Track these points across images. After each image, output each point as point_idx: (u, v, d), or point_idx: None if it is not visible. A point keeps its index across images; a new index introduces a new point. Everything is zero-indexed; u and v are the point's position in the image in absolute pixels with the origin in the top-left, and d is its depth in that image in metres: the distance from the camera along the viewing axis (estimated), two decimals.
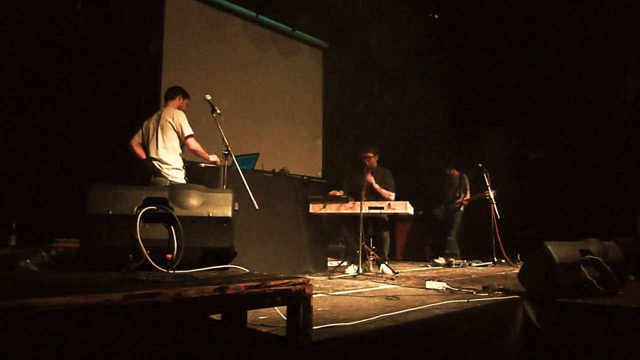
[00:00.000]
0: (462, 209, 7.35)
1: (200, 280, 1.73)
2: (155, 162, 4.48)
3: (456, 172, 7.53)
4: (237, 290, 1.66)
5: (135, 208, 2.14)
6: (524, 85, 7.94)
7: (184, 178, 4.59)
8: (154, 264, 2.06)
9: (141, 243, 2.07)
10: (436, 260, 7.14)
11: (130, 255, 2.10)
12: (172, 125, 4.51)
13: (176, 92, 4.78)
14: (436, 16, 8.21)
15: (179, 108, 4.69)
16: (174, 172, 4.50)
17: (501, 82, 8.11)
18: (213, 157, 4.54)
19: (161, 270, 2.05)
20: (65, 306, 1.28)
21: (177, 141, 4.54)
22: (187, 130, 4.52)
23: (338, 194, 5.57)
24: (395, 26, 8.25)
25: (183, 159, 4.66)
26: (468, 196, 7.32)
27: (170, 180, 4.45)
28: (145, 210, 2.13)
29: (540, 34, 7.72)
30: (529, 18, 7.66)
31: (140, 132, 4.68)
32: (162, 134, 4.49)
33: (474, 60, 8.18)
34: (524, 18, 7.66)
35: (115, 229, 2.12)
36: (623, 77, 6.86)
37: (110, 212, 2.13)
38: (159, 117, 4.59)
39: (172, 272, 2.05)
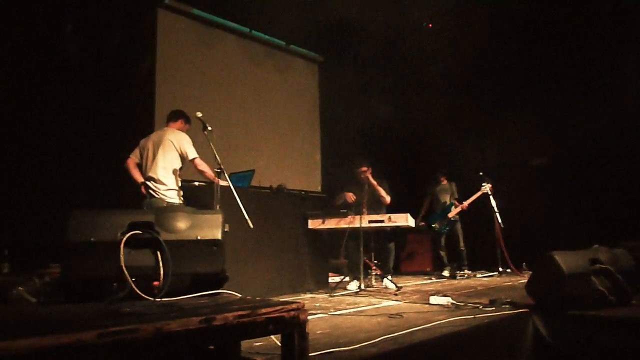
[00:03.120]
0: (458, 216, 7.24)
1: (186, 311, 1.61)
2: (151, 182, 4.35)
3: (445, 181, 7.43)
4: (225, 321, 1.54)
5: (119, 234, 2.03)
6: (524, 91, 7.85)
7: (181, 198, 4.48)
8: (139, 292, 1.94)
9: (125, 271, 1.95)
10: (443, 273, 6.98)
11: (115, 284, 1.98)
12: (174, 146, 4.41)
13: (179, 115, 4.70)
14: (429, 25, 8.16)
15: (179, 130, 4.60)
16: (171, 192, 4.38)
17: (500, 88, 8.02)
18: (223, 182, 4.25)
19: (147, 299, 1.93)
20: (30, 348, 1.16)
21: (178, 162, 4.44)
22: (192, 153, 4.44)
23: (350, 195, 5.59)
24: (389, 36, 8.20)
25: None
26: (467, 202, 7.15)
27: (168, 202, 4.33)
28: (129, 236, 2.02)
29: (540, 39, 7.65)
30: (528, 24, 7.58)
31: (137, 151, 4.56)
32: (163, 154, 4.38)
33: (472, 67, 8.10)
34: (523, 24, 7.58)
35: (98, 256, 2.00)
36: (622, 81, 6.75)
37: (93, 239, 2.02)
38: (160, 136, 4.47)
39: (158, 300, 1.93)
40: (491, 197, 7.08)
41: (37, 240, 4.92)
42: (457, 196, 7.35)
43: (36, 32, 5.41)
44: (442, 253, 7.16)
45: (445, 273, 6.96)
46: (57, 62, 5.48)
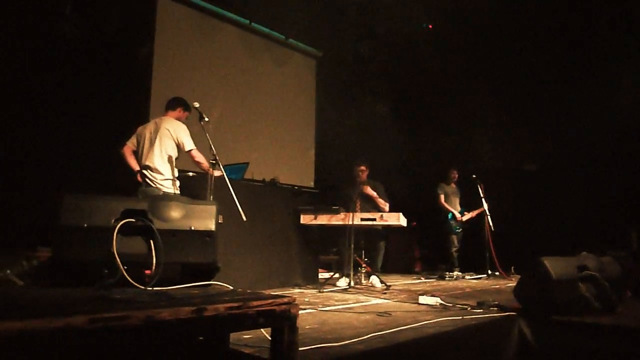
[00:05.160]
0: None
1: (177, 300, 1.61)
2: (148, 171, 4.30)
3: (454, 184, 7.48)
4: (216, 312, 1.54)
5: (112, 220, 2.02)
6: (518, 96, 7.89)
7: (177, 188, 4.43)
8: (130, 280, 1.93)
9: (117, 257, 1.94)
10: (452, 273, 6.98)
11: (106, 270, 1.97)
12: (171, 135, 4.36)
13: (178, 103, 4.62)
14: (430, 26, 8.16)
15: (177, 119, 4.55)
16: (167, 182, 4.34)
17: (494, 93, 8.04)
18: (217, 173, 4.29)
19: (138, 287, 1.92)
20: (20, 331, 1.15)
21: (175, 152, 4.39)
22: (190, 144, 4.39)
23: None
24: (388, 36, 8.20)
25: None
26: (475, 211, 7.25)
27: (164, 192, 4.30)
28: (123, 223, 2.01)
29: (535, 46, 7.68)
30: (524, 29, 7.61)
31: (134, 139, 4.50)
32: (160, 142, 4.33)
33: (467, 70, 8.13)
34: (520, 29, 7.61)
35: (90, 241, 1.99)
36: (616, 92, 6.80)
37: (85, 225, 2.01)
38: (158, 125, 4.42)
39: (149, 289, 1.92)
40: (483, 200, 7.14)
41: (25, 222, 4.88)
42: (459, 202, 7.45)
43: (31, 15, 5.35)
44: (455, 254, 7.19)
45: (455, 273, 6.97)
46: (54, 46, 5.42)
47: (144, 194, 4.24)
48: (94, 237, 1.99)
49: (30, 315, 1.22)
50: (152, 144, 4.34)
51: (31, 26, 5.30)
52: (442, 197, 7.34)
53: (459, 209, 7.32)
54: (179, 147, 4.38)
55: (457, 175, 7.47)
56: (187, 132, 4.43)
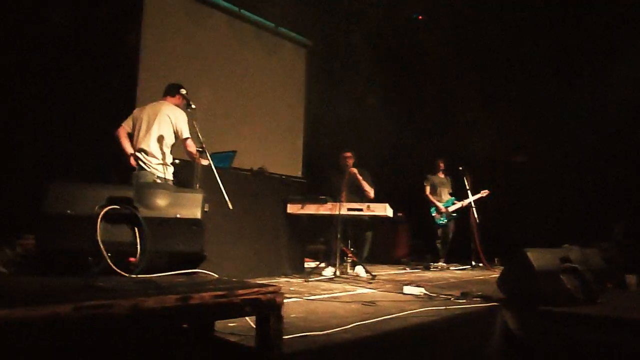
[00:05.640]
0: None
1: (162, 289, 1.60)
2: (142, 154, 4.25)
3: (442, 173, 7.49)
4: (201, 300, 1.54)
5: (97, 207, 2.00)
6: (506, 88, 7.94)
7: (170, 174, 4.39)
8: (115, 268, 1.92)
9: (102, 245, 1.93)
10: (437, 264, 7.02)
11: (90, 259, 1.96)
12: (171, 122, 4.31)
13: (178, 89, 4.50)
14: (420, 17, 8.15)
15: (176, 106, 4.50)
16: (161, 167, 4.30)
17: (484, 84, 8.09)
18: (204, 162, 4.24)
19: (123, 275, 1.91)
20: (4, 319, 1.15)
21: (172, 138, 4.34)
22: (186, 133, 4.35)
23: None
24: (379, 27, 8.19)
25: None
26: (465, 201, 7.26)
27: (158, 176, 4.26)
28: (107, 210, 1.99)
29: (525, 36, 7.71)
30: (516, 22, 7.63)
31: (130, 121, 4.40)
32: (159, 127, 4.28)
33: (457, 62, 8.15)
34: (512, 22, 7.63)
35: (75, 230, 1.97)
36: (605, 85, 6.86)
37: (69, 212, 1.99)
38: (157, 110, 4.35)
39: (134, 277, 1.91)
40: (469, 192, 7.19)
41: (10, 210, 4.82)
42: (451, 191, 7.42)
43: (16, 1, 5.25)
44: (439, 245, 7.21)
45: (440, 264, 7.02)
46: (39, 33, 5.31)
47: (138, 177, 4.20)
48: (78, 225, 1.97)
49: (14, 304, 1.21)
50: (149, 128, 4.27)
51: (15, 12, 5.20)
52: (428, 188, 7.33)
53: (448, 199, 7.33)
54: (176, 134, 4.34)
55: (443, 165, 7.47)
56: (186, 120, 4.39)
